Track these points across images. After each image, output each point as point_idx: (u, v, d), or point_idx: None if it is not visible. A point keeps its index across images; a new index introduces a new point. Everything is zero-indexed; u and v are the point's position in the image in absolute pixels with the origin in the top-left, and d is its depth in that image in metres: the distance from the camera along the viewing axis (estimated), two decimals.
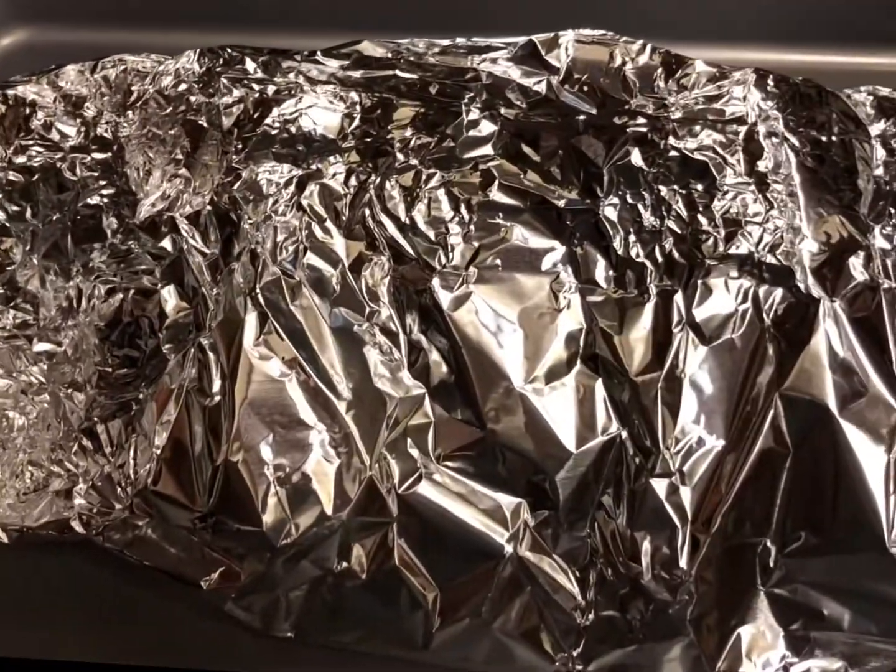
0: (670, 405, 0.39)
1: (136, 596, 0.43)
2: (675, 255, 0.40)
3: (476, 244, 0.41)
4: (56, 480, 0.43)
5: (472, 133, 0.42)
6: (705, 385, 0.39)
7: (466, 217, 0.41)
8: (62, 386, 0.44)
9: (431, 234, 0.41)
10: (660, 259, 0.40)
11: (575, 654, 0.40)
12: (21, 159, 0.43)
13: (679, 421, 0.39)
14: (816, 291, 0.39)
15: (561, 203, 0.41)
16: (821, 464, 0.38)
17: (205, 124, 0.41)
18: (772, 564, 0.39)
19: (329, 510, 0.39)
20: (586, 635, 0.40)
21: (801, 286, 0.39)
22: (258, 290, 0.40)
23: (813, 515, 0.38)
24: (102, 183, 0.42)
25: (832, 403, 0.37)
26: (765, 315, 0.39)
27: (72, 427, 0.44)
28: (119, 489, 0.42)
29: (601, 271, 0.40)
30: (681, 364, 0.39)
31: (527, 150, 0.42)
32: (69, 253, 0.44)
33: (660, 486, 0.39)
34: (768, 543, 0.39)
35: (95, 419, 0.43)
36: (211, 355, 0.40)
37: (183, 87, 0.42)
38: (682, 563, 0.39)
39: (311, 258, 0.41)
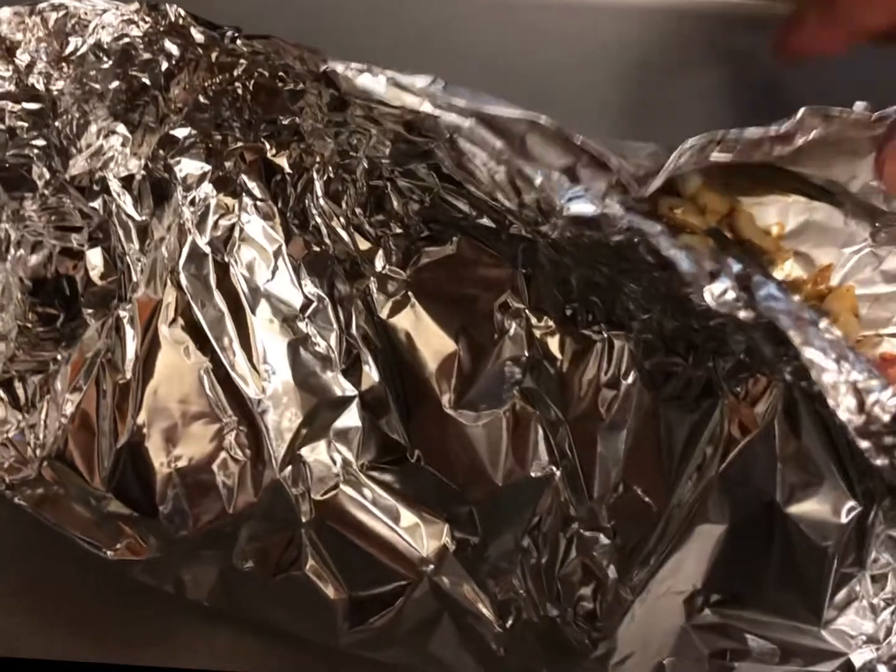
0: (608, 456, 0.33)
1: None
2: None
3: (419, 249, 0.35)
4: None
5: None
6: (648, 442, 0.33)
7: (411, 219, 0.34)
8: None
9: (373, 231, 0.35)
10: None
11: None
12: None
13: (615, 474, 0.33)
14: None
15: (507, 225, 0.34)
16: (762, 541, 0.32)
17: (147, 82, 0.36)
18: (698, 609, 0.33)
19: (230, 508, 0.34)
20: (502, 665, 0.35)
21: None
22: (180, 269, 0.34)
23: (746, 581, 0.33)
24: (33, 134, 0.37)
25: (779, 496, 0.31)
26: (724, 385, 0.32)
27: None
28: (29, 449, 0.37)
29: (550, 301, 0.34)
30: (625, 415, 0.33)
31: None
32: None
33: (588, 537, 0.33)
34: (696, 598, 0.33)
35: (13, 373, 0.38)
36: (128, 330, 0.35)
37: (125, 41, 0.36)
38: (604, 618, 0.34)
39: (244, 240, 0.35)
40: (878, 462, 0.26)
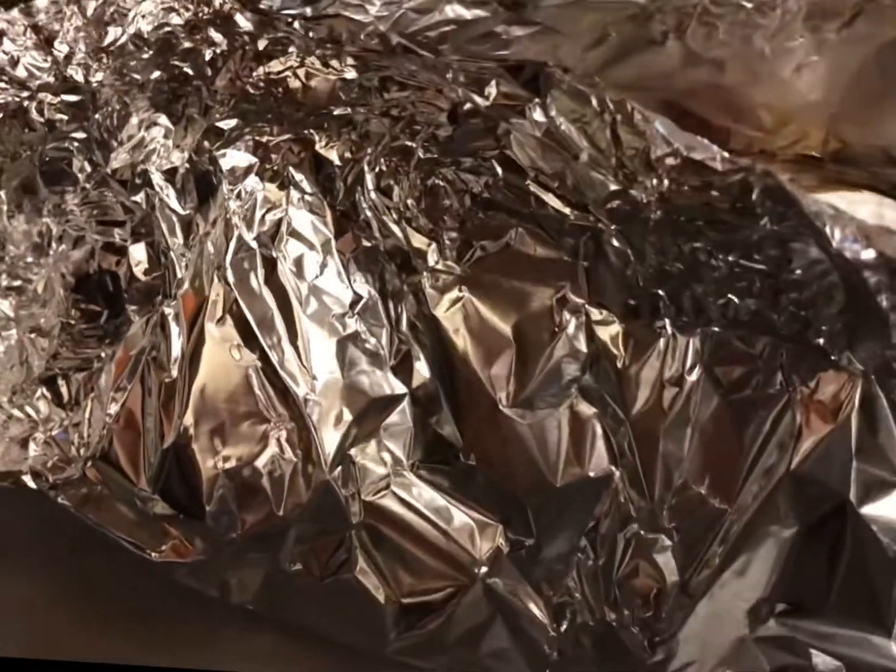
0: (672, 456, 0.31)
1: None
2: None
3: (474, 243, 0.33)
4: (15, 425, 0.38)
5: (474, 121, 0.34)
6: (715, 441, 0.31)
7: (467, 212, 0.33)
8: (27, 329, 0.38)
9: (427, 225, 0.33)
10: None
11: None
12: None
13: (678, 474, 0.31)
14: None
15: (571, 215, 0.33)
16: (831, 545, 0.30)
17: (190, 72, 0.34)
18: (762, 619, 0.32)
19: (279, 510, 0.33)
20: (555, 669, 0.34)
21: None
22: (227, 265, 0.33)
23: (815, 589, 0.31)
24: (73, 126, 0.36)
25: (853, 495, 0.30)
26: (795, 380, 0.31)
27: (33, 374, 0.38)
28: (73, 448, 0.36)
29: (612, 295, 0.32)
30: (690, 413, 0.31)
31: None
32: (40, 192, 0.37)
33: (648, 539, 0.32)
34: (761, 605, 0.31)
35: (57, 371, 0.37)
36: (173, 327, 0.33)
37: (166, 30, 0.34)
38: (664, 622, 0.32)
39: (292, 234, 0.34)
40: None
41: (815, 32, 0.38)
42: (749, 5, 0.37)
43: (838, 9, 0.38)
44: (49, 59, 0.35)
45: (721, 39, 0.37)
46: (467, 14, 0.38)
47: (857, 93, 0.38)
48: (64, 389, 0.37)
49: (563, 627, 0.33)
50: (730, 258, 0.29)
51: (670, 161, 0.29)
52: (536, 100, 0.31)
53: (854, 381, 0.30)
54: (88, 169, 0.36)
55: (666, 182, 0.29)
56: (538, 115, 0.32)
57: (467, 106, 0.32)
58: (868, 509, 0.30)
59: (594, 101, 0.31)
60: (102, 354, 0.36)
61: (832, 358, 0.30)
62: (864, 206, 0.39)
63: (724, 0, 0.37)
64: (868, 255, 0.26)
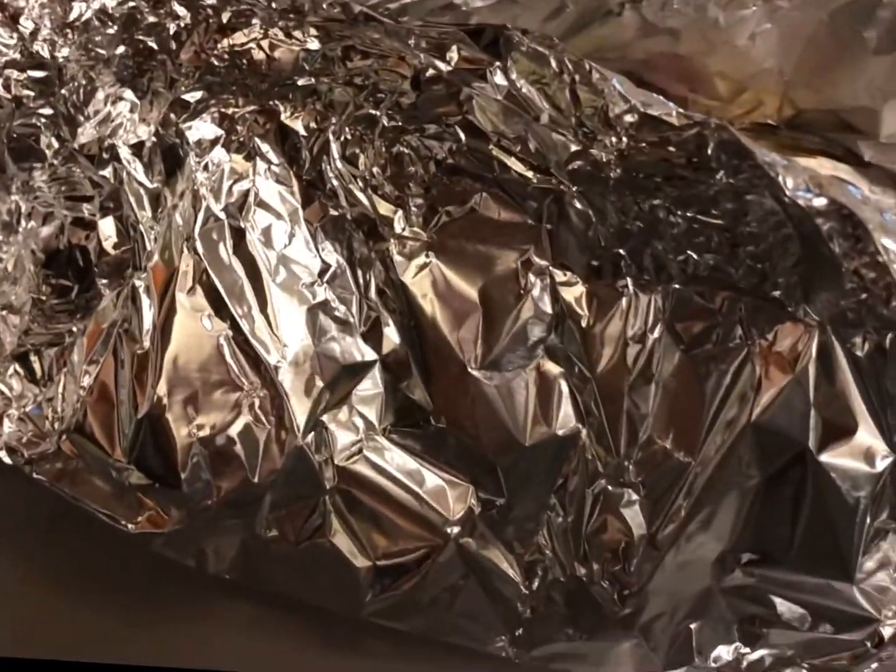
0: (636, 412, 0.32)
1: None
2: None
3: (440, 209, 0.34)
4: None
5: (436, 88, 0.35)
6: (678, 395, 0.32)
7: (431, 178, 0.34)
8: None
9: (392, 192, 0.34)
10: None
11: (515, 640, 0.34)
12: None
13: (643, 429, 0.32)
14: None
15: (534, 178, 0.33)
16: (793, 493, 0.31)
17: (154, 46, 0.35)
18: (728, 569, 0.33)
19: (254, 477, 0.33)
20: (528, 626, 0.34)
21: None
22: (196, 236, 0.33)
23: (778, 538, 0.32)
24: (40, 102, 0.36)
25: (812, 443, 0.31)
26: (754, 333, 0.32)
27: (5, 351, 0.38)
28: (47, 423, 0.37)
29: (575, 256, 0.33)
30: (653, 369, 0.32)
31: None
32: (8, 169, 0.37)
33: (616, 494, 0.33)
34: (726, 556, 0.33)
35: (29, 347, 0.37)
36: (144, 299, 0.34)
37: (130, 5, 0.35)
38: (633, 575, 0.33)
39: (260, 205, 0.34)
40: None
41: (768, 0, 0.38)
42: None
43: None
44: (15, 35, 0.35)
45: (676, 9, 0.38)
46: None
47: (811, 59, 0.39)
48: (37, 365, 0.37)
49: (535, 585, 0.34)
50: (688, 214, 0.30)
51: (628, 118, 0.30)
52: (497, 63, 0.31)
53: (811, 332, 0.30)
54: (56, 145, 0.36)
55: (624, 139, 0.30)
56: (499, 79, 0.32)
57: (430, 72, 0.33)
58: (827, 457, 0.30)
59: (553, 62, 0.31)
60: (74, 329, 0.36)
61: (789, 310, 0.31)
62: (819, 171, 0.39)
63: None
64: (820, 202, 0.27)
